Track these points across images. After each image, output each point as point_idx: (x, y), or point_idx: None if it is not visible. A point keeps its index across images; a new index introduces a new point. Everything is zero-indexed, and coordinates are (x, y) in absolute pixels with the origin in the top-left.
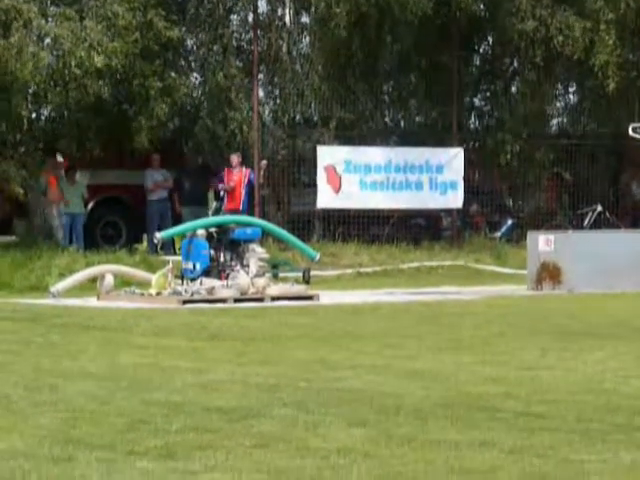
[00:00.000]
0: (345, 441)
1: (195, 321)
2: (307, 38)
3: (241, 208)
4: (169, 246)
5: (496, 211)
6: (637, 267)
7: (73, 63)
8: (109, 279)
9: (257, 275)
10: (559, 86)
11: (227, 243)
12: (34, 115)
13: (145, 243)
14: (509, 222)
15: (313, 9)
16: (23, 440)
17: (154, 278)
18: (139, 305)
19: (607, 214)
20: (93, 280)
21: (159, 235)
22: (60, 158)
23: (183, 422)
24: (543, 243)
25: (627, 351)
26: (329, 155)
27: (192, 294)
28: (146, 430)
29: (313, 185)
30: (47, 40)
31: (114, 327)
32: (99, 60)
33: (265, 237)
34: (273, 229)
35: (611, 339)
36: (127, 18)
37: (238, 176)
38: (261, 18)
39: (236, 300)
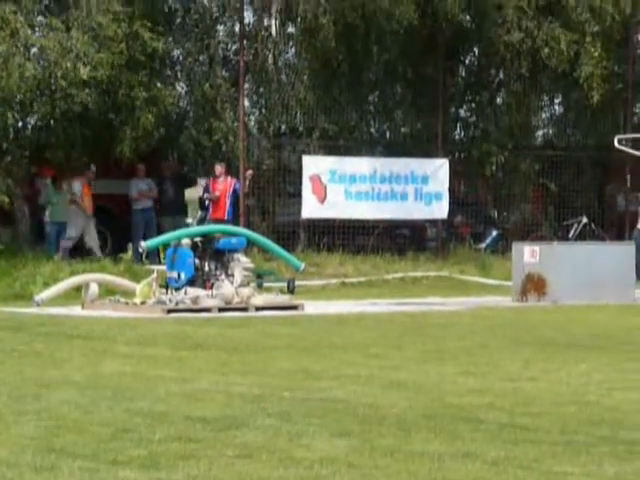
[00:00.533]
0: (328, 451)
1: (179, 330)
2: (293, 49)
3: (226, 218)
4: (154, 255)
5: (481, 222)
6: (622, 279)
7: (59, 74)
8: (94, 288)
9: (242, 285)
10: (544, 97)
11: (212, 252)
12: (20, 124)
13: (130, 252)
14: (494, 233)
15: (299, 20)
16: (6, 449)
17: (138, 287)
18: (123, 314)
19: (592, 226)
20: (78, 289)
21: (144, 244)
22: (93, 168)
23: (166, 432)
24: (528, 254)
25: (610, 363)
26: (314, 165)
27: (176, 303)
28: (129, 439)
29: (298, 195)
30: (33, 50)
31: (98, 336)
32: (85, 71)
33: (250, 247)
34: (258, 239)
35: (595, 351)
36: (113, 28)
37: (223, 185)
38: (247, 29)
39: (220, 310)
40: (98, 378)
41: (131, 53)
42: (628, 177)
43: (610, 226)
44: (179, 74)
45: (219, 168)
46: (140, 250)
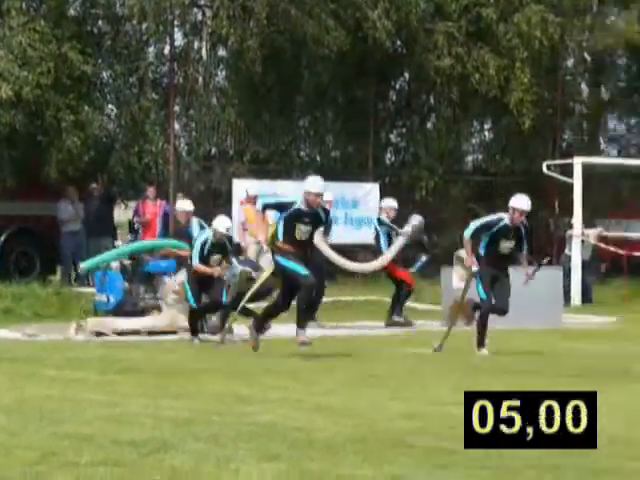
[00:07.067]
0: (257, 476)
1: (109, 354)
2: (223, 72)
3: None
4: (84, 278)
5: (411, 247)
6: (550, 303)
7: None
8: None
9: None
10: (475, 123)
11: (141, 275)
12: None
13: (59, 275)
14: (423, 258)
15: (229, 42)
16: None
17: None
18: (53, 337)
19: None
20: (6, 311)
21: (83, 265)
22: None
23: (93, 455)
24: (456, 279)
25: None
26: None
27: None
28: (56, 463)
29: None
30: None
31: (25, 359)
32: (6, 89)
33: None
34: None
35: (524, 375)
36: (39, 49)
37: (154, 208)
38: (177, 51)
39: (150, 333)
40: (24, 401)
41: (58, 75)
42: (557, 203)
43: (539, 251)
44: (108, 96)
45: (151, 190)
46: (80, 272)
